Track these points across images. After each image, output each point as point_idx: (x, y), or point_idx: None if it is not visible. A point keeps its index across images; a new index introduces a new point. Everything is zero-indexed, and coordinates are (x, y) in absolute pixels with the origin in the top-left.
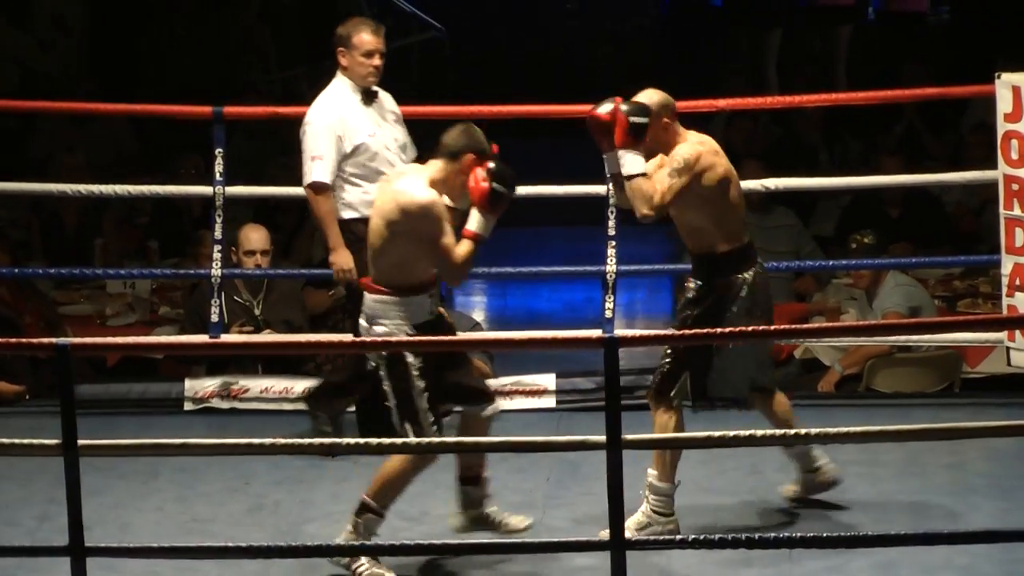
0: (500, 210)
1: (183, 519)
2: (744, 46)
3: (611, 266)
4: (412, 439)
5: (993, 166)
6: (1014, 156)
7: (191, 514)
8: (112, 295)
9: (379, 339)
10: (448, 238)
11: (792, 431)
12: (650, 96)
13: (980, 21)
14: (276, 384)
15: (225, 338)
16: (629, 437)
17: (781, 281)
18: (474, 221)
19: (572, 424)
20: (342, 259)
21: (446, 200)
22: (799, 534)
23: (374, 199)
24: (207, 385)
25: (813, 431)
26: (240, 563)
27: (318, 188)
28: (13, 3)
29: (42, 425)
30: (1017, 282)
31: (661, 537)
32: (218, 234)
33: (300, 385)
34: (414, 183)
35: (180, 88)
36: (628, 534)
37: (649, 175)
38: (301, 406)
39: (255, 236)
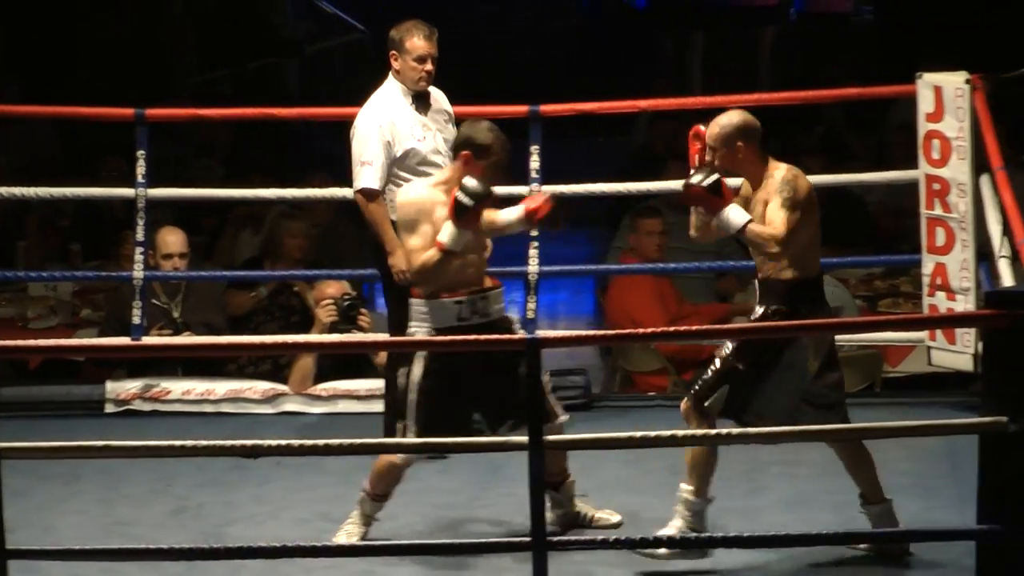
0: (468, 223)
1: (106, 521)
2: (668, 48)
3: (533, 267)
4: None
5: (915, 166)
6: (935, 156)
7: (114, 516)
8: (34, 298)
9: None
10: (415, 240)
11: (714, 431)
12: (730, 118)
13: (903, 21)
14: (197, 386)
15: (146, 340)
16: (550, 438)
17: (703, 281)
18: (444, 232)
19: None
20: (399, 261)
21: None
22: (720, 534)
23: None
24: (129, 387)
25: (735, 431)
26: (163, 565)
27: (368, 194)
28: None
29: None
30: (938, 281)
31: (582, 538)
32: (140, 236)
33: (222, 387)
34: (415, 184)
35: (103, 90)
36: (661, 549)
37: (761, 215)
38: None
39: (172, 239)
